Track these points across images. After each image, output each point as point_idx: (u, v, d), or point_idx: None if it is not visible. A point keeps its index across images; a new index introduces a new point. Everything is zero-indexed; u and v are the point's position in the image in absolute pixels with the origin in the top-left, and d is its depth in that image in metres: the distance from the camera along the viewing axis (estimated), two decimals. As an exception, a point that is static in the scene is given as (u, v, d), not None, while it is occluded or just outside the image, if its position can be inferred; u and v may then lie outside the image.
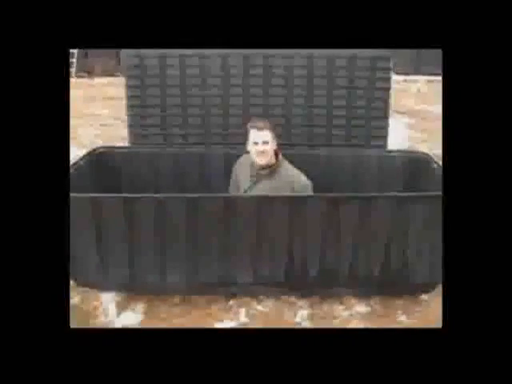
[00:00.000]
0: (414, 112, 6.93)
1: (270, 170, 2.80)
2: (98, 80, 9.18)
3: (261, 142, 2.76)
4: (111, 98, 6.83)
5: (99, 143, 3.36)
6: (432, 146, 4.67)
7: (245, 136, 2.89)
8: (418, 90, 8.29)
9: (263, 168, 2.81)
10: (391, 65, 3.28)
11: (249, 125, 2.84)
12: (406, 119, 6.65)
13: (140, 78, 3.31)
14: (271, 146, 2.79)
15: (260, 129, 2.77)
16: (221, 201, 2.50)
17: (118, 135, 5.27)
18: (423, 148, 4.46)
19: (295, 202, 2.48)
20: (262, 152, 2.77)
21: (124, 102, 3.37)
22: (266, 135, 2.77)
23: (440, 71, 2.09)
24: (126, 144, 3.51)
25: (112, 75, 8.79)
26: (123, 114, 3.44)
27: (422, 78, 9.06)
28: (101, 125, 5.99)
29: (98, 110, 6.33)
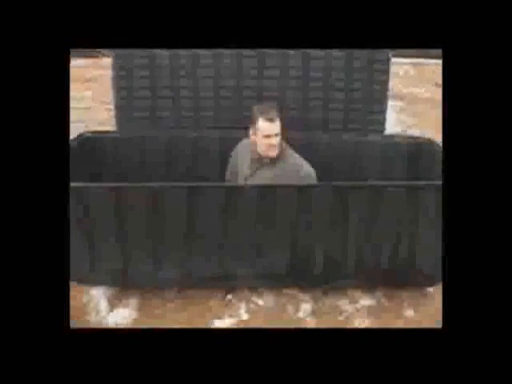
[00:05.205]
0: (401, 95, 6.80)
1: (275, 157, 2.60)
2: (79, 61, 8.83)
3: (273, 135, 2.52)
4: (89, 81, 6.58)
5: (81, 127, 3.16)
6: (424, 131, 4.56)
7: (238, 120, 2.74)
8: (405, 73, 8.18)
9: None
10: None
11: (258, 113, 2.55)
12: (393, 102, 6.52)
13: (127, 57, 3.11)
14: (281, 137, 2.57)
15: (272, 120, 2.51)
16: (222, 191, 2.33)
17: (99, 118, 5.05)
18: (415, 132, 4.35)
19: (301, 191, 2.33)
20: (274, 145, 2.55)
21: (104, 84, 3.18)
22: (278, 126, 2.52)
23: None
24: (109, 127, 3.31)
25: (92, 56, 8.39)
26: (103, 96, 3.25)
27: (408, 61, 8.93)
28: (83, 108, 5.75)
29: (79, 93, 6.08)
